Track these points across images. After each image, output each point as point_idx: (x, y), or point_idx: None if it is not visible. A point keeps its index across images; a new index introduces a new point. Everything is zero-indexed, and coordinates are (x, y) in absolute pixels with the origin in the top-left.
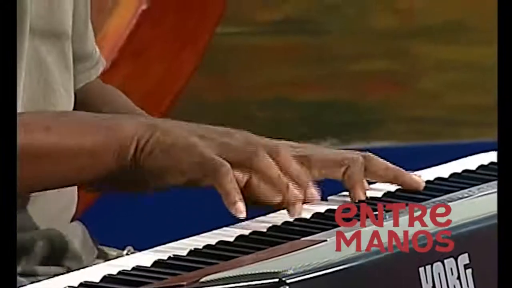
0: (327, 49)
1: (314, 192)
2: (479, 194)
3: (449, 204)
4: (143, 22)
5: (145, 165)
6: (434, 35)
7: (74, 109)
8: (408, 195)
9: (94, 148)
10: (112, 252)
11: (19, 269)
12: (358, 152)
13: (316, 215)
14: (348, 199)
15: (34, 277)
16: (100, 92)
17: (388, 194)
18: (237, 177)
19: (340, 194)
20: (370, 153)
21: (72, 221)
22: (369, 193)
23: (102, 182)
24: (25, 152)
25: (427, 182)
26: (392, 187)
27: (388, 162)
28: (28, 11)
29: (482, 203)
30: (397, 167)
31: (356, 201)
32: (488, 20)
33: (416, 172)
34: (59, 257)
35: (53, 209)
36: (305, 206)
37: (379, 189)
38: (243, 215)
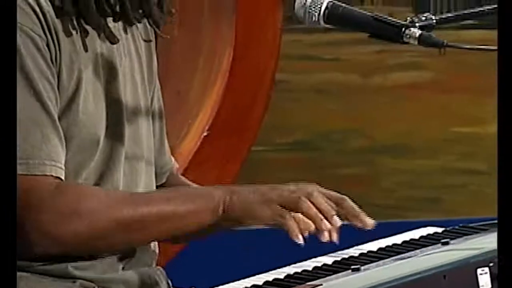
0: (321, 160)
1: (337, 220)
2: (421, 255)
3: (400, 262)
4: (204, 144)
5: (228, 217)
6: (390, 152)
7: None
8: (374, 255)
9: (197, 210)
10: None
11: None
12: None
13: (315, 268)
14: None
15: None
16: (179, 180)
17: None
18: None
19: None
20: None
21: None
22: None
23: (196, 233)
24: (154, 216)
25: (387, 246)
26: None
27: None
28: (125, 139)
29: (423, 260)
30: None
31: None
32: (427, 143)
33: (382, 240)
34: None
35: (147, 254)
36: (313, 260)
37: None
38: (301, 242)
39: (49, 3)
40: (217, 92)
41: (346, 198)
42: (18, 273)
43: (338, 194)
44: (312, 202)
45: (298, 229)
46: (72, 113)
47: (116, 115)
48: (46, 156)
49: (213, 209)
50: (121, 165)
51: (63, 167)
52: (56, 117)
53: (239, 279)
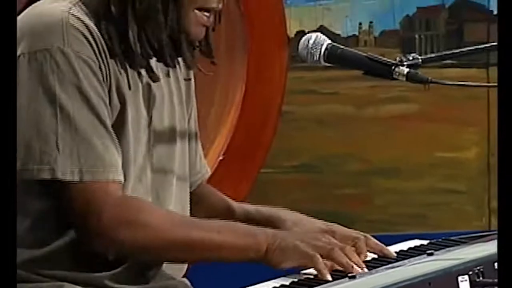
0: (322, 181)
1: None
2: (409, 264)
3: (391, 271)
4: (220, 166)
5: (270, 259)
6: (383, 174)
7: (192, 200)
8: (368, 264)
9: (243, 246)
10: None
11: None
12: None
13: (316, 275)
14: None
15: None
16: (208, 191)
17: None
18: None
19: None
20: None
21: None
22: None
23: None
24: (204, 243)
25: (379, 256)
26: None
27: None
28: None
29: (411, 269)
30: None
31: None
32: (414, 166)
33: None
34: None
35: (175, 267)
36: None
37: None
38: (330, 279)
39: (99, 33)
40: (231, 121)
41: (370, 236)
42: (57, 283)
43: (363, 234)
44: (345, 253)
45: (327, 270)
46: (120, 128)
47: (154, 137)
48: (108, 164)
49: (257, 249)
50: (171, 182)
51: (122, 172)
52: (111, 130)
53: (249, 286)
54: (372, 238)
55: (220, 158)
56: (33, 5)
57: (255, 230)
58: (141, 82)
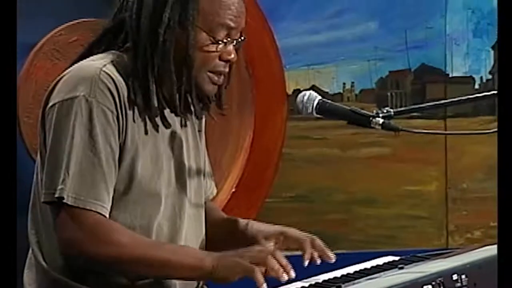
0: (314, 208)
1: (292, 272)
2: (384, 276)
3: (370, 281)
4: (232, 197)
5: (217, 276)
6: (362, 203)
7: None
8: (351, 276)
9: (193, 266)
10: None
11: None
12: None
13: (310, 285)
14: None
15: None
16: (213, 207)
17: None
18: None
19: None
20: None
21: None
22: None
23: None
24: (159, 261)
25: (360, 270)
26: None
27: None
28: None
29: (385, 280)
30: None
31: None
32: (386, 197)
33: (357, 265)
34: None
35: None
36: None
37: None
38: (265, 286)
39: (125, 88)
40: (242, 161)
41: (316, 238)
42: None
43: (310, 236)
44: (275, 259)
45: (263, 280)
46: (133, 170)
47: (175, 171)
48: (92, 197)
49: (204, 269)
50: (185, 212)
51: (107, 207)
52: (109, 173)
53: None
54: (318, 240)
55: (233, 190)
56: (79, 62)
57: (203, 253)
58: (166, 128)
